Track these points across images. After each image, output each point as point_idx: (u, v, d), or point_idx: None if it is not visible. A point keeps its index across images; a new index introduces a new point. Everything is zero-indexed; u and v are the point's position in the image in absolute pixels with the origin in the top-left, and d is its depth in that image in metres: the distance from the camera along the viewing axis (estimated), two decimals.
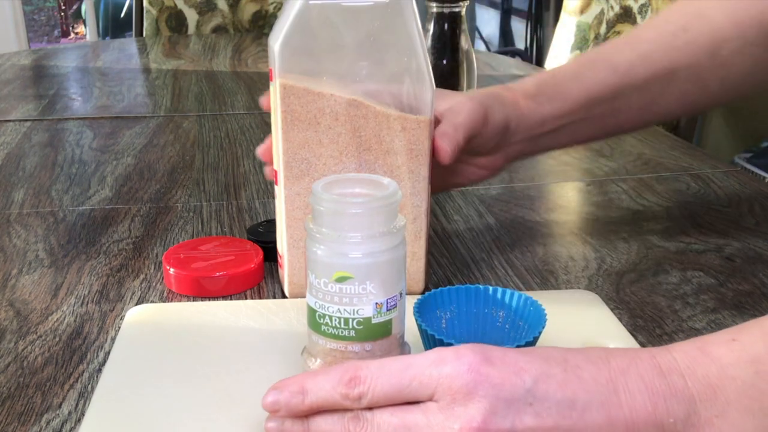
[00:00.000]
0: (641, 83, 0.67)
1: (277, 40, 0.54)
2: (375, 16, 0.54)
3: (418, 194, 0.58)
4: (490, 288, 0.52)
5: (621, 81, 0.66)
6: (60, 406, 0.49)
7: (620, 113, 0.68)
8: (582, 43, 1.49)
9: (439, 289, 0.52)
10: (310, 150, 0.56)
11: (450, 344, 0.46)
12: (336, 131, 0.56)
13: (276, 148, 0.57)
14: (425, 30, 1.08)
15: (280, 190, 0.58)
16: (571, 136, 0.69)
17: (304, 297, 0.58)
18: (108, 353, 0.54)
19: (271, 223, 0.72)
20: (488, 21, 4.08)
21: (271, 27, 2.05)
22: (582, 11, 1.50)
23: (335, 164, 0.56)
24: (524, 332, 0.50)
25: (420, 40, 0.54)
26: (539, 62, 2.88)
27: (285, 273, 0.60)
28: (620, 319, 0.57)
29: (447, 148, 0.58)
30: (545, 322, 0.48)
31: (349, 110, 0.55)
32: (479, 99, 0.62)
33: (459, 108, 0.61)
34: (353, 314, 0.41)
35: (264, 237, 0.68)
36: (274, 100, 0.56)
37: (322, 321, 0.42)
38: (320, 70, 0.56)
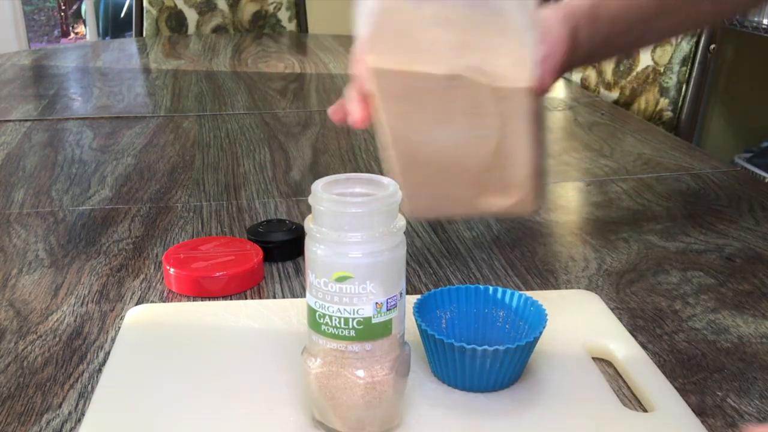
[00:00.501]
0: (674, 5, 0.65)
1: (363, 22, 0.54)
2: None
3: (520, 132, 0.56)
4: (490, 288, 0.52)
5: (658, 4, 0.64)
6: (60, 406, 0.49)
7: (650, 33, 0.66)
8: None
9: (439, 289, 0.52)
10: (409, 122, 0.56)
11: (450, 344, 0.46)
12: (432, 103, 0.55)
13: (380, 119, 0.57)
14: None
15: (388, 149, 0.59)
16: (596, 60, 0.67)
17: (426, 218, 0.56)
18: (108, 353, 0.54)
19: (271, 223, 0.72)
20: None
21: (271, 27, 2.06)
22: None
23: (436, 129, 0.57)
24: (525, 332, 0.50)
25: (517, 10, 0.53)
26: None
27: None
28: (620, 319, 0.57)
29: (546, 80, 0.55)
30: (546, 322, 0.48)
31: (443, 85, 0.54)
32: (569, 23, 0.58)
33: (553, 22, 0.57)
34: (353, 314, 0.41)
35: (264, 237, 0.68)
36: (372, 83, 0.56)
37: (322, 321, 0.42)
38: (411, 47, 0.54)
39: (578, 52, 0.61)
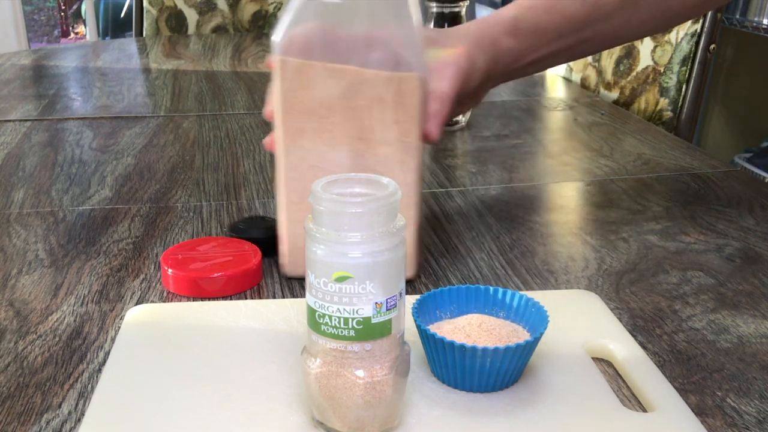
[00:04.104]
0: (608, 13, 0.70)
1: (277, 34, 0.58)
2: (370, 6, 0.57)
3: (408, 185, 0.60)
4: (491, 288, 0.52)
5: (590, 12, 0.69)
6: (60, 406, 0.49)
7: (588, 42, 0.71)
8: None
9: (439, 289, 0.52)
10: (307, 139, 0.60)
11: (451, 344, 0.46)
12: (330, 121, 0.59)
13: (277, 135, 0.61)
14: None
15: (279, 173, 0.62)
16: (541, 66, 0.72)
17: (301, 276, 0.63)
18: (108, 353, 0.54)
19: (253, 220, 0.72)
20: None
21: (271, 27, 2.06)
22: None
23: (329, 152, 0.60)
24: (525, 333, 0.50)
25: (414, 28, 0.57)
26: None
27: (283, 253, 0.64)
28: (620, 319, 0.57)
29: (434, 132, 0.60)
30: (547, 323, 0.48)
31: (342, 101, 0.58)
32: (464, 56, 0.64)
33: (442, 73, 0.62)
34: (353, 314, 0.41)
35: (245, 234, 0.69)
36: (275, 90, 0.59)
37: (321, 321, 0.42)
38: (316, 59, 0.58)
39: (499, 64, 0.67)
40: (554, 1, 0.70)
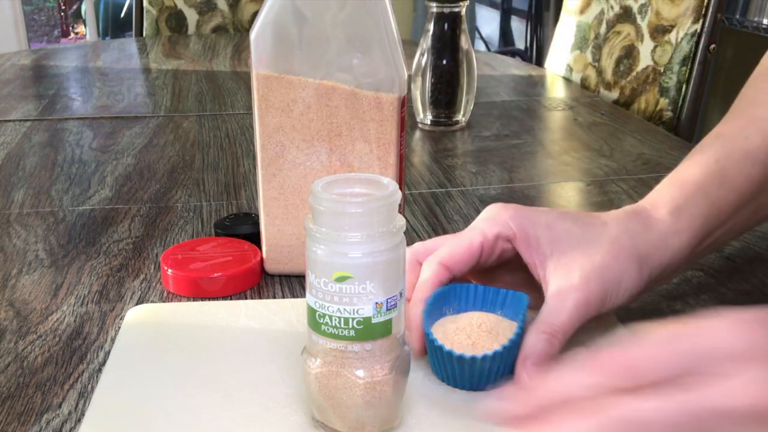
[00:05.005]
0: None
1: (253, 31, 0.60)
2: (344, 4, 0.58)
3: None
4: (491, 288, 0.52)
5: (764, 173, 0.56)
6: (60, 406, 0.49)
7: (764, 207, 0.58)
8: (582, 43, 1.49)
9: (440, 288, 0.52)
10: (284, 134, 0.61)
11: (450, 354, 0.46)
12: (308, 117, 0.60)
13: (254, 131, 0.62)
14: (425, 30, 1.08)
15: (257, 169, 0.63)
16: (714, 247, 0.58)
17: (281, 273, 0.65)
18: (108, 353, 0.54)
19: (238, 217, 0.72)
20: (488, 21, 4.08)
21: None
22: (582, 11, 1.50)
23: (307, 147, 0.61)
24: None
25: (389, 27, 0.58)
26: (539, 62, 2.89)
27: (263, 249, 0.64)
28: (620, 319, 0.57)
29: (524, 377, 0.47)
30: (526, 309, 0.49)
31: (319, 99, 0.59)
32: (596, 277, 0.50)
33: (562, 300, 0.49)
34: (353, 314, 0.41)
35: (230, 231, 0.69)
36: (252, 87, 0.61)
37: (321, 321, 0.42)
38: (294, 58, 0.60)
39: (662, 269, 0.53)
40: (721, 168, 0.55)
